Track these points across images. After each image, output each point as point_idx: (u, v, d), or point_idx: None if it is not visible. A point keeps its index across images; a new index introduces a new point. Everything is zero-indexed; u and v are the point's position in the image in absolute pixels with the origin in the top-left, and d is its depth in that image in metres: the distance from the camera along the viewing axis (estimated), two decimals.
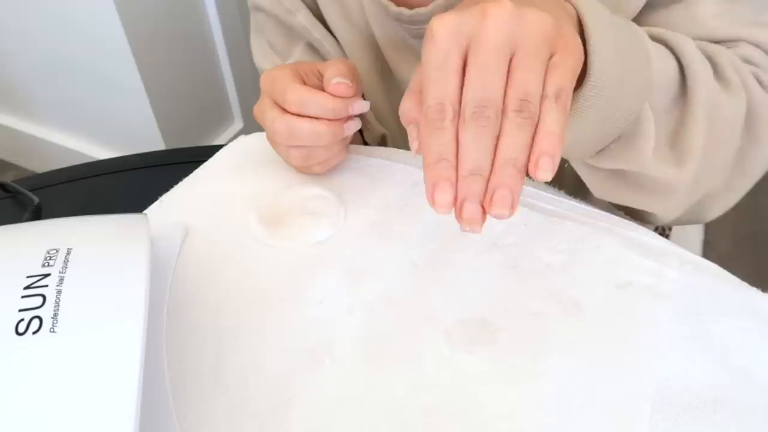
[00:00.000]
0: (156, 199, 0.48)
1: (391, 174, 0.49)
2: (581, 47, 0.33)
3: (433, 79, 0.31)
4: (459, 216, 0.30)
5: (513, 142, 0.29)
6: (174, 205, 0.48)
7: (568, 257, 0.42)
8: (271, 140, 0.46)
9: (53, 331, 0.28)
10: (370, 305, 0.39)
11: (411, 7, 0.50)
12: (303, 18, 0.57)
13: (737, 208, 0.54)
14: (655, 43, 0.42)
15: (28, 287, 0.30)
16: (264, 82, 0.45)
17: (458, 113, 0.30)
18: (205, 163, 0.51)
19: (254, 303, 0.40)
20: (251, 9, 0.62)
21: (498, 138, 0.30)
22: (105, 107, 1.34)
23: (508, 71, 0.30)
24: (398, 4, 0.51)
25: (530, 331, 0.38)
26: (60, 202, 0.53)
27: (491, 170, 0.30)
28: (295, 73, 0.44)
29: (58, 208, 0.52)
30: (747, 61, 0.46)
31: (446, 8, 0.49)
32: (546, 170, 0.29)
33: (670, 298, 0.39)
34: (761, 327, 0.37)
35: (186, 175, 0.50)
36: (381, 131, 0.59)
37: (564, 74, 0.31)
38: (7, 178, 0.55)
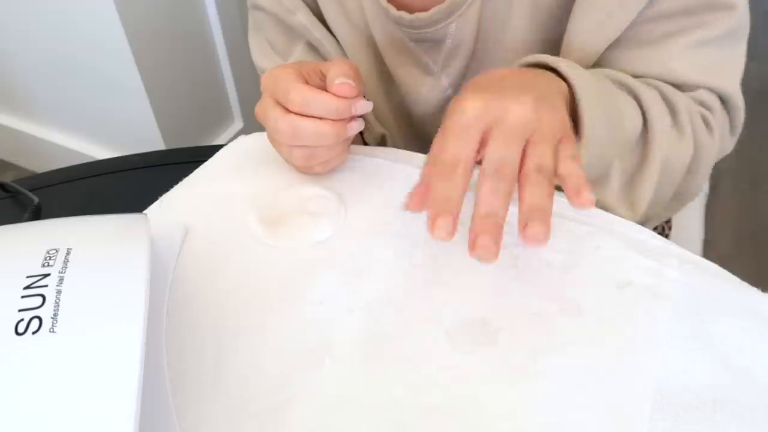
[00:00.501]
0: (156, 199, 0.48)
1: (391, 174, 0.49)
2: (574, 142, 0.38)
3: (453, 137, 0.35)
4: (474, 247, 0.32)
5: (536, 192, 0.33)
6: (174, 205, 0.48)
7: (568, 257, 0.42)
8: (273, 140, 0.46)
9: (53, 331, 0.28)
10: (370, 305, 0.39)
11: (411, 11, 0.50)
12: (303, 17, 0.57)
13: (737, 208, 0.54)
14: (625, 97, 0.46)
15: (27, 287, 0.30)
16: (266, 81, 0.45)
17: (469, 173, 0.34)
18: (205, 163, 0.51)
19: (254, 303, 0.40)
20: (250, 7, 0.62)
21: (521, 194, 0.34)
22: (105, 107, 1.34)
23: (525, 147, 0.34)
24: (398, 8, 0.51)
25: (530, 331, 0.38)
26: (60, 202, 0.53)
27: (520, 217, 0.33)
28: (297, 73, 0.44)
29: (58, 208, 0.52)
30: (702, 104, 0.50)
31: (447, 14, 0.50)
32: (587, 195, 0.34)
33: (670, 298, 0.39)
34: (761, 327, 0.37)
35: (186, 175, 0.50)
36: (381, 131, 0.59)
37: (571, 147, 0.36)
38: (7, 178, 0.55)
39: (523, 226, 0.32)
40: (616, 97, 0.45)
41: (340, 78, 0.43)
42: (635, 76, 0.49)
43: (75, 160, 1.46)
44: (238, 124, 1.53)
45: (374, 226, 0.45)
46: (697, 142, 0.49)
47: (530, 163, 0.34)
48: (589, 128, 0.40)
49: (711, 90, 0.50)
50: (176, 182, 0.49)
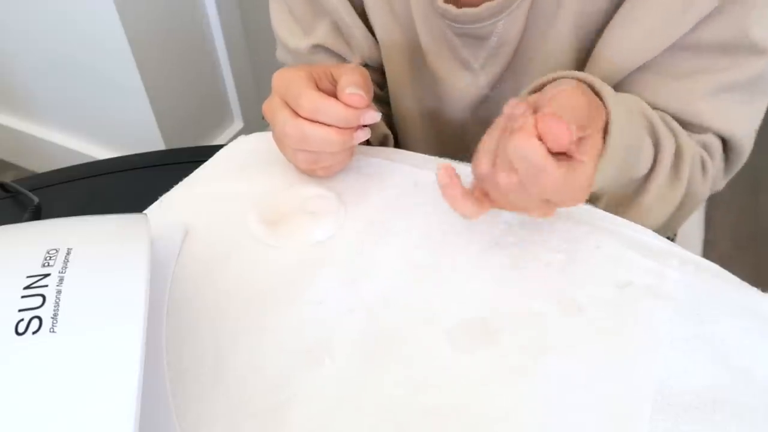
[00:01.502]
0: (156, 199, 0.48)
1: (391, 174, 0.49)
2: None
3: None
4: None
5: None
6: (174, 205, 0.48)
7: (568, 257, 0.42)
8: (279, 141, 0.46)
9: (53, 331, 0.28)
10: (370, 305, 0.39)
11: (459, 5, 0.50)
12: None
13: (738, 209, 0.55)
14: (647, 142, 0.47)
15: (28, 287, 0.30)
16: (276, 81, 0.45)
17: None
18: (205, 163, 0.51)
19: (254, 303, 0.40)
20: None
21: None
22: (105, 107, 1.34)
23: None
24: (446, 1, 0.50)
25: (530, 331, 0.38)
26: (60, 202, 0.53)
27: None
28: (309, 77, 0.44)
29: (58, 208, 0.52)
30: (705, 147, 0.51)
31: (496, 12, 0.49)
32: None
33: (671, 298, 0.39)
34: (761, 327, 0.37)
35: (186, 175, 0.50)
36: (384, 132, 0.59)
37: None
38: (7, 178, 0.55)
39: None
40: (641, 144, 0.45)
41: (350, 87, 0.43)
42: (654, 106, 0.50)
43: (75, 160, 1.46)
44: (238, 124, 1.53)
45: (374, 226, 0.45)
46: (690, 189, 0.50)
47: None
48: (601, 172, 0.40)
49: (720, 134, 0.50)
50: (176, 182, 0.49)
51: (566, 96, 0.37)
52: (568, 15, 0.49)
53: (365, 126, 0.45)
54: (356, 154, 0.51)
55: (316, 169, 0.47)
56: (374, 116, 0.44)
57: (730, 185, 0.57)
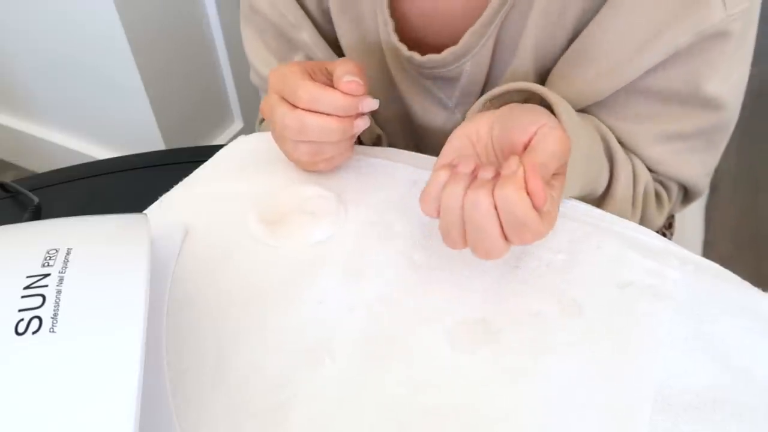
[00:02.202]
0: (156, 199, 0.48)
1: (391, 174, 0.49)
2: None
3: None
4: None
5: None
6: (174, 205, 0.48)
7: (569, 257, 0.42)
8: (280, 136, 0.46)
9: (53, 331, 0.28)
10: (370, 305, 0.39)
11: (423, 52, 0.50)
12: (307, 36, 0.56)
13: (738, 209, 0.54)
14: (603, 161, 0.48)
15: (27, 287, 0.30)
16: (272, 79, 0.45)
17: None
18: (205, 163, 0.51)
19: (254, 303, 0.40)
20: (248, 8, 0.61)
21: None
22: (105, 107, 1.34)
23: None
24: (411, 47, 0.51)
25: (530, 331, 0.38)
26: (60, 202, 0.53)
27: None
28: (304, 71, 0.44)
29: (58, 208, 0.52)
30: (661, 183, 0.52)
31: (460, 56, 0.50)
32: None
33: (671, 298, 0.39)
34: (761, 327, 0.37)
35: (186, 175, 0.50)
36: (377, 131, 0.59)
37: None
38: (7, 178, 0.55)
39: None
40: (600, 162, 0.46)
41: (347, 76, 0.43)
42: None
43: (75, 160, 1.46)
44: (238, 124, 1.53)
45: (374, 226, 0.45)
46: (646, 216, 0.52)
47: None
48: (569, 179, 0.41)
49: (673, 179, 0.52)
50: (176, 182, 0.49)
51: (554, 142, 0.37)
52: (527, 48, 0.49)
53: (364, 114, 0.45)
54: (356, 154, 0.51)
55: (317, 161, 0.47)
56: (372, 104, 0.44)
57: (730, 185, 0.57)
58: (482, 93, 0.53)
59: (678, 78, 0.46)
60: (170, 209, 0.47)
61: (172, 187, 0.49)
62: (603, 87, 0.47)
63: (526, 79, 0.50)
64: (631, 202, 0.50)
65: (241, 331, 0.38)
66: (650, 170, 0.51)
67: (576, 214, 0.44)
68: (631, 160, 0.50)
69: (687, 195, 0.55)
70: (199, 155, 0.52)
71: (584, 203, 0.46)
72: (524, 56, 0.50)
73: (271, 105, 0.45)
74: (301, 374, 0.36)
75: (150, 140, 1.34)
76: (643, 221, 0.52)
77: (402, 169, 0.49)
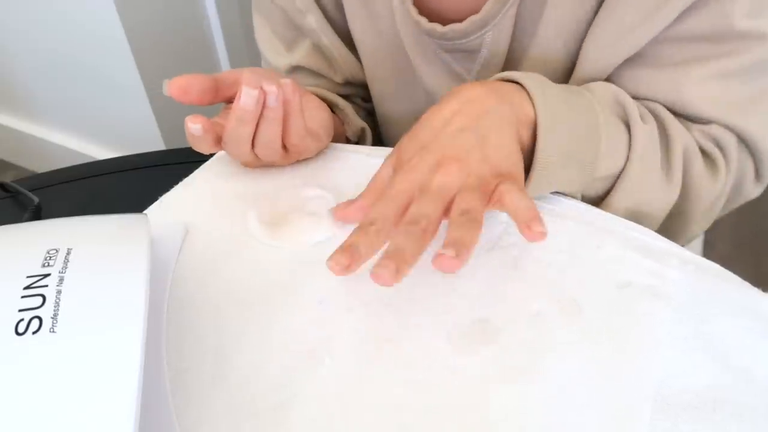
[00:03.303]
0: (156, 199, 0.48)
1: None
2: (522, 176, 0.40)
3: (379, 203, 0.38)
4: (372, 272, 0.34)
5: (459, 227, 0.35)
6: (174, 205, 0.48)
7: (568, 257, 0.42)
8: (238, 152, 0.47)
9: (53, 331, 0.28)
10: (370, 305, 0.39)
11: (444, 22, 0.50)
12: (313, 20, 0.56)
13: (738, 209, 0.54)
14: (615, 131, 0.45)
15: (28, 287, 0.30)
16: None
17: (385, 232, 0.37)
18: (205, 163, 0.51)
19: (254, 303, 0.40)
20: None
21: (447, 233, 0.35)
22: (105, 107, 1.34)
23: (452, 200, 0.37)
24: (430, 20, 0.50)
25: (530, 331, 0.38)
26: (60, 202, 0.53)
27: (443, 245, 0.35)
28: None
29: (58, 208, 0.52)
30: (713, 140, 0.48)
31: (481, 25, 0.49)
32: (538, 226, 0.35)
33: (671, 298, 0.39)
34: (761, 327, 0.37)
35: (186, 175, 0.50)
36: (360, 125, 0.59)
37: (517, 182, 0.39)
38: (7, 178, 0.55)
39: (442, 249, 0.34)
40: (597, 127, 0.44)
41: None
42: (645, 99, 0.48)
43: (75, 160, 1.46)
44: None
45: None
46: (690, 186, 0.48)
47: (455, 209, 0.36)
48: (542, 165, 0.41)
49: (726, 126, 0.48)
50: (176, 182, 0.49)
51: (447, 106, 0.40)
52: (551, 20, 0.48)
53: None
54: (356, 153, 0.51)
55: (258, 155, 0.46)
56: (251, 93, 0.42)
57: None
58: (505, 67, 0.52)
59: (708, 20, 0.44)
60: (170, 209, 0.47)
61: (172, 187, 0.49)
62: (634, 41, 0.46)
63: (552, 52, 0.49)
64: (659, 164, 0.46)
65: (241, 331, 0.38)
66: (701, 123, 0.48)
67: (576, 214, 0.44)
68: (662, 121, 0.47)
69: (757, 160, 0.50)
70: (199, 155, 0.52)
71: (584, 203, 0.46)
72: (548, 26, 0.49)
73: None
74: (301, 374, 0.36)
75: (150, 140, 1.34)
76: (687, 189, 0.48)
77: None
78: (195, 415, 0.34)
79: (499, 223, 0.44)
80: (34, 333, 0.28)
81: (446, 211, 0.37)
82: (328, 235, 0.44)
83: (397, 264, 0.34)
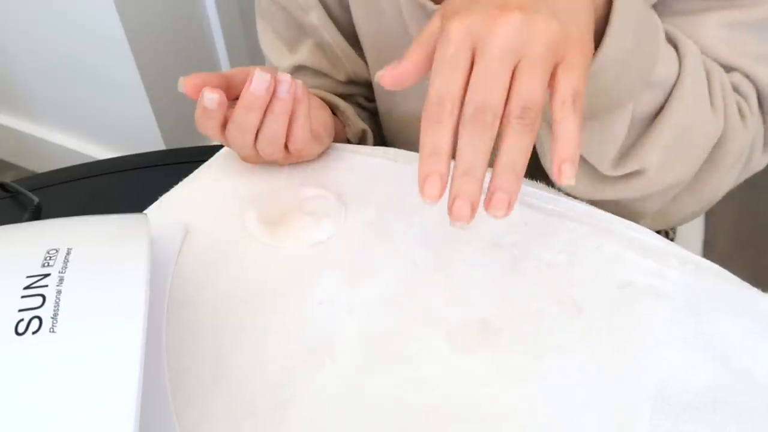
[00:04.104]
0: (156, 199, 0.48)
1: (391, 174, 0.49)
2: (591, 46, 0.34)
3: (439, 74, 0.32)
4: (450, 211, 0.31)
5: (513, 147, 0.31)
6: (174, 205, 0.48)
7: (569, 257, 0.42)
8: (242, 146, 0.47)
9: (53, 331, 0.28)
10: (371, 305, 0.39)
11: None
12: (315, 18, 0.56)
13: (737, 209, 0.54)
14: (665, 43, 0.42)
15: (27, 287, 0.30)
16: None
17: (458, 109, 0.32)
18: (205, 163, 0.51)
19: (254, 303, 0.40)
20: None
21: (500, 141, 0.31)
22: (105, 107, 1.34)
23: (513, 77, 0.31)
24: (436, 2, 0.50)
25: (530, 331, 0.38)
26: (60, 202, 0.53)
27: (493, 172, 0.31)
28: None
29: (58, 208, 0.52)
30: (736, 89, 0.47)
31: None
32: (569, 177, 0.31)
33: (671, 298, 0.39)
34: (761, 327, 0.37)
35: (186, 175, 0.50)
36: (362, 127, 0.58)
37: (578, 78, 0.32)
38: (7, 178, 0.55)
39: (490, 194, 0.31)
40: (658, 31, 0.41)
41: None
42: None
43: (75, 160, 1.46)
44: None
45: (374, 226, 0.45)
46: (728, 123, 0.45)
47: (513, 103, 0.31)
48: (615, 38, 0.37)
49: (745, 75, 0.46)
50: (176, 182, 0.49)
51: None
52: None
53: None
54: (356, 153, 0.51)
55: (260, 150, 0.46)
56: (209, 97, 0.42)
57: None
58: None
59: None
60: (170, 209, 0.47)
61: (172, 187, 0.49)
62: None
63: None
64: (706, 91, 0.44)
65: (241, 331, 0.38)
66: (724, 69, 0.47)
67: (576, 214, 0.44)
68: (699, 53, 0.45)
69: (766, 124, 0.48)
70: (199, 155, 0.52)
71: (584, 204, 0.46)
72: None
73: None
74: (301, 374, 0.36)
75: (150, 140, 1.34)
76: (727, 131, 0.45)
77: (402, 169, 0.49)
78: (195, 415, 0.34)
79: (499, 223, 0.44)
80: (34, 333, 0.28)
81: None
82: (328, 235, 0.44)
83: (472, 198, 0.31)
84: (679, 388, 0.34)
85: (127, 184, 0.56)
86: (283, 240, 0.44)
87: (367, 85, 0.61)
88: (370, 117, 0.64)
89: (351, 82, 0.61)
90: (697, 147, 0.45)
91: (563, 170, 0.31)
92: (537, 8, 0.32)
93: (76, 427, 0.27)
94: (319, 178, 0.48)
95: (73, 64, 1.28)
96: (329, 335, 0.38)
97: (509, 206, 0.31)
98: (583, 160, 0.46)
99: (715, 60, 0.46)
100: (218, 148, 0.53)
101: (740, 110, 0.46)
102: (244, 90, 0.42)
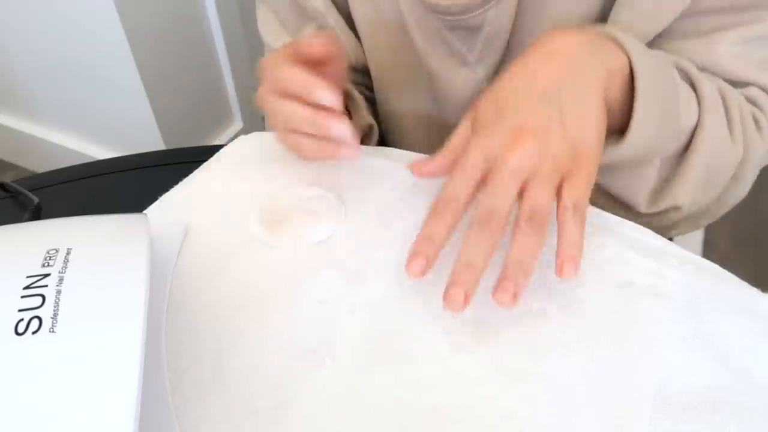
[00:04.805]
0: (156, 199, 0.48)
1: (391, 174, 0.49)
2: (597, 159, 0.38)
3: (453, 180, 0.37)
4: (445, 296, 0.35)
5: (522, 246, 0.35)
6: (174, 205, 0.48)
7: None
8: (271, 125, 0.47)
9: (53, 332, 0.28)
10: (371, 305, 0.39)
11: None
12: (319, 3, 0.56)
13: (737, 208, 0.54)
14: (685, 88, 0.44)
15: (27, 287, 0.30)
16: (262, 66, 0.45)
17: (460, 211, 0.37)
18: (205, 163, 0.51)
19: (254, 303, 0.40)
20: None
21: (511, 241, 0.35)
22: (105, 107, 1.34)
23: (523, 188, 0.36)
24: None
25: (530, 331, 0.38)
26: (60, 202, 0.53)
27: (503, 266, 0.35)
28: (289, 55, 0.44)
29: (58, 208, 0.52)
30: (752, 101, 0.48)
31: (482, 2, 0.48)
32: (570, 271, 0.35)
33: (671, 298, 0.39)
34: (761, 327, 0.37)
35: (186, 175, 0.50)
36: (368, 121, 0.58)
37: (580, 192, 0.36)
38: (7, 178, 0.55)
39: (498, 282, 0.35)
40: (677, 88, 0.43)
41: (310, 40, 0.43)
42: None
43: (75, 160, 1.46)
44: (238, 124, 1.53)
45: (374, 226, 0.45)
46: (747, 144, 0.48)
47: (523, 211, 0.35)
48: (639, 120, 0.39)
49: (762, 88, 0.48)
50: (176, 182, 0.49)
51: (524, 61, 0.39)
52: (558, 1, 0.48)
53: (342, 121, 0.43)
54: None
55: (306, 156, 0.47)
56: (341, 125, 0.42)
57: None
58: (509, 47, 0.52)
59: None
60: (170, 209, 0.47)
61: (172, 187, 0.49)
62: (663, 16, 0.46)
63: (570, 22, 0.48)
64: (726, 125, 0.46)
65: (241, 331, 0.38)
66: (739, 86, 0.48)
67: None
68: (715, 82, 0.47)
69: None
70: (199, 155, 0.52)
71: None
72: (555, 6, 0.48)
73: (260, 95, 0.45)
74: (301, 374, 0.36)
75: (150, 140, 1.34)
76: (747, 153, 0.47)
77: (402, 169, 0.49)
78: (195, 415, 0.34)
79: None
80: (33, 333, 0.28)
81: (518, 194, 0.36)
82: (329, 234, 0.44)
83: (467, 288, 0.35)
84: (678, 388, 0.34)
85: (127, 184, 0.56)
86: (284, 240, 0.44)
87: (368, 73, 0.61)
88: (373, 111, 0.64)
89: (353, 69, 0.61)
90: (721, 175, 0.48)
91: (566, 267, 0.35)
92: (550, 130, 0.36)
93: (76, 427, 0.27)
94: (319, 179, 0.48)
95: (73, 64, 1.28)
96: (329, 335, 0.38)
97: (515, 296, 0.34)
98: (619, 199, 0.49)
99: (730, 77, 0.48)
100: (218, 148, 0.53)
101: (757, 123, 0.48)
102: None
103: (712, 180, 0.47)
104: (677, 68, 0.46)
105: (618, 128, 0.41)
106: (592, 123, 0.38)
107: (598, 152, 0.38)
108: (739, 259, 1.27)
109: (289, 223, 0.45)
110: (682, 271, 0.40)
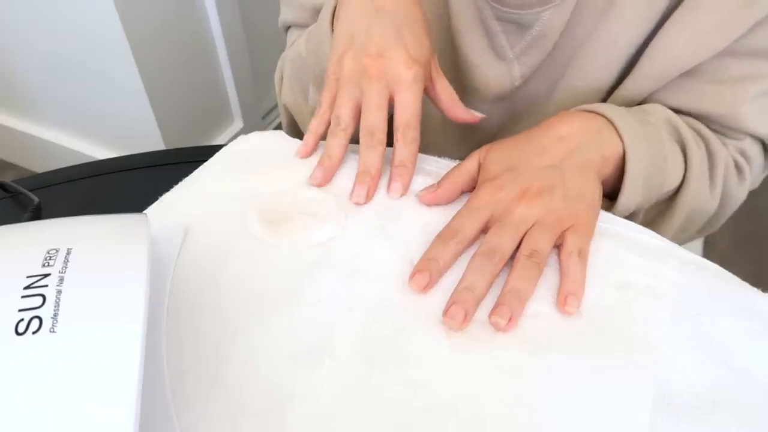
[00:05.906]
0: (156, 199, 0.48)
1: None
2: (595, 220, 0.43)
3: (460, 217, 0.42)
4: (445, 312, 0.38)
5: (521, 277, 0.38)
6: (174, 205, 0.48)
7: None
8: (317, 115, 0.50)
9: (53, 331, 0.28)
10: (370, 305, 0.39)
11: None
12: None
13: (737, 208, 0.54)
14: (674, 152, 0.47)
15: (28, 287, 0.30)
16: (369, 65, 0.47)
17: (465, 242, 0.41)
18: (205, 163, 0.51)
19: (254, 302, 0.40)
20: None
21: (510, 274, 0.39)
22: (105, 107, 1.34)
23: (525, 233, 0.40)
24: None
25: (530, 331, 0.38)
26: (60, 202, 0.53)
27: (500, 293, 0.38)
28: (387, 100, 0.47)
29: (58, 208, 0.52)
30: (742, 153, 0.51)
31: (542, 1, 0.48)
32: (572, 306, 0.38)
33: (670, 299, 0.39)
34: (761, 327, 0.37)
35: (186, 175, 0.50)
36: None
37: (582, 239, 0.41)
38: (7, 178, 0.55)
39: (495, 307, 0.38)
40: (665, 158, 0.46)
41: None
42: (691, 112, 0.50)
43: (75, 160, 1.46)
44: (238, 124, 1.53)
45: (374, 226, 0.45)
46: (726, 195, 0.51)
47: (524, 249, 0.40)
48: (628, 195, 0.45)
49: (760, 137, 0.51)
50: (176, 182, 0.49)
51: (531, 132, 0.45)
52: (623, 15, 0.48)
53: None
54: (356, 153, 0.51)
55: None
56: (362, 193, 0.46)
57: None
58: (552, 51, 0.52)
59: None
60: (170, 209, 0.47)
61: (172, 187, 0.49)
62: (704, 49, 0.46)
63: (613, 46, 0.50)
64: (707, 182, 0.50)
65: (241, 331, 0.38)
66: (735, 137, 0.50)
67: None
68: (705, 141, 0.49)
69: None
70: (199, 155, 0.52)
71: None
72: (617, 21, 0.48)
73: (339, 85, 0.47)
74: (300, 374, 0.36)
75: (150, 140, 1.34)
76: (725, 202, 0.52)
77: None
78: (194, 415, 0.34)
79: None
80: (34, 333, 0.28)
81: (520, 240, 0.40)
82: (329, 235, 0.44)
83: (467, 308, 0.37)
84: (679, 388, 0.34)
85: (127, 184, 0.56)
86: (284, 240, 0.44)
87: None
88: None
89: None
90: (699, 221, 0.52)
91: (569, 301, 0.38)
92: (554, 191, 0.41)
93: (76, 427, 0.27)
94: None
95: (73, 64, 1.28)
96: (329, 335, 0.38)
97: (511, 320, 0.37)
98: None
99: (741, 127, 0.50)
100: (218, 148, 0.53)
101: (740, 173, 0.52)
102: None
103: (690, 224, 0.52)
104: (672, 127, 0.48)
105: (611, 194, 0.46)
106: (590, 189, 0.43)
107: (596, 210, 0.43)
108: (739, 259, 1.27)
109: (290, 223, 0.45)
110: (682, 271, 0.40)
